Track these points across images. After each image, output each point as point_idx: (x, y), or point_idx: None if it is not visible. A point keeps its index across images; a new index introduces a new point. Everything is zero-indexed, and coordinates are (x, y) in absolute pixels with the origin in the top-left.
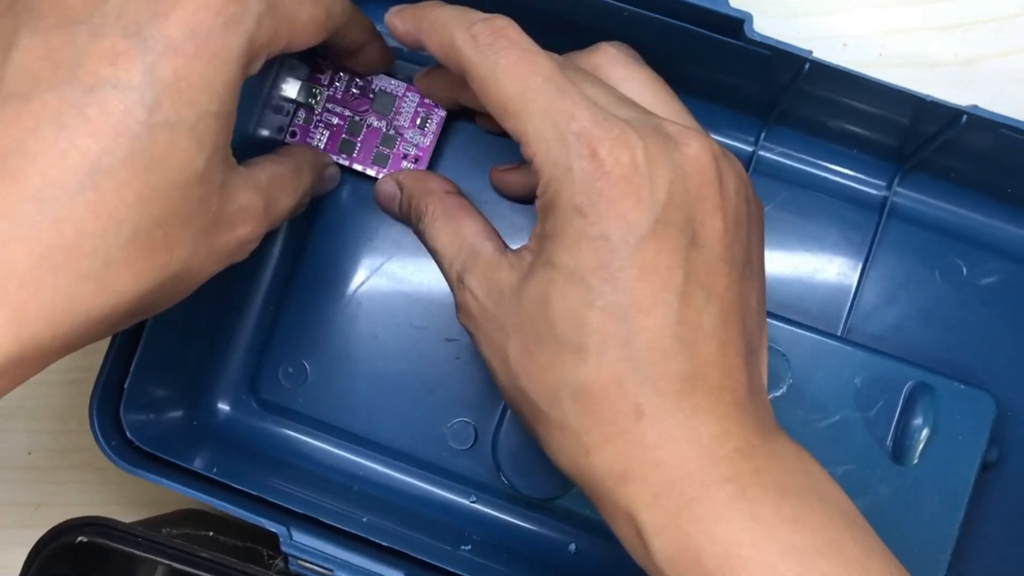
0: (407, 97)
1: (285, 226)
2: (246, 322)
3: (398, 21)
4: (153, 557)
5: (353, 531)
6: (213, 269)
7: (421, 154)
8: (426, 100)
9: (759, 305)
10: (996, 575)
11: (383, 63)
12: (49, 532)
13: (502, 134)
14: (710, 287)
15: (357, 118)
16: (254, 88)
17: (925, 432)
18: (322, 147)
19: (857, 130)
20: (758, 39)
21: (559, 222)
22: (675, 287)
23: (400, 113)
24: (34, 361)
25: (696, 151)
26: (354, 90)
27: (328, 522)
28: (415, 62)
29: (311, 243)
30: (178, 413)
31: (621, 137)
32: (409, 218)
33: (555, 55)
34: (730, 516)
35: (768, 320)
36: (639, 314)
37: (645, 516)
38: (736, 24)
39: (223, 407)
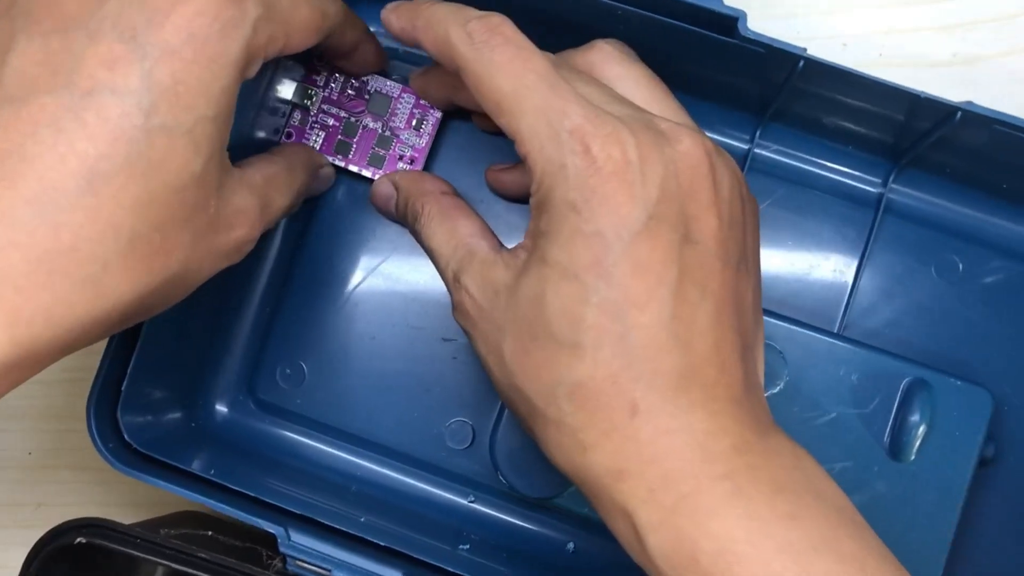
0: (403, 98)
1: (281, 227)
2: (243, 323)
3: (394, 18)
4: (152, 558)
5: (351, 531)
6: (210, 271)
7: (417, 155)
8: (422, 101)
9: (755, 302)
10: (993, 571)
11: (376, 64)
12: (48, 533)
13: (498, 133)
14: (704, 283)
15: (353, 119)
16: (249, 89)
17: (922, 428)
18: (318, 148)
19: (852, 127)
20: (752, 37)
21: (553, 219)
22: (669, 283)
23: (396, 114)
24: (30, 364)
25: (688, 147)
26: (350, 91)
27: (326, 522)
28: (411, 63)
29: (307, 244)
30: (176, 415)
31: (614, 134)
32: (405, 219)
33: (550, 54)
34: (725, 512)
35: (764, 317)
36: (634, 310)
37: (641, 513)
38: (730, 22)
39: (221, 408)
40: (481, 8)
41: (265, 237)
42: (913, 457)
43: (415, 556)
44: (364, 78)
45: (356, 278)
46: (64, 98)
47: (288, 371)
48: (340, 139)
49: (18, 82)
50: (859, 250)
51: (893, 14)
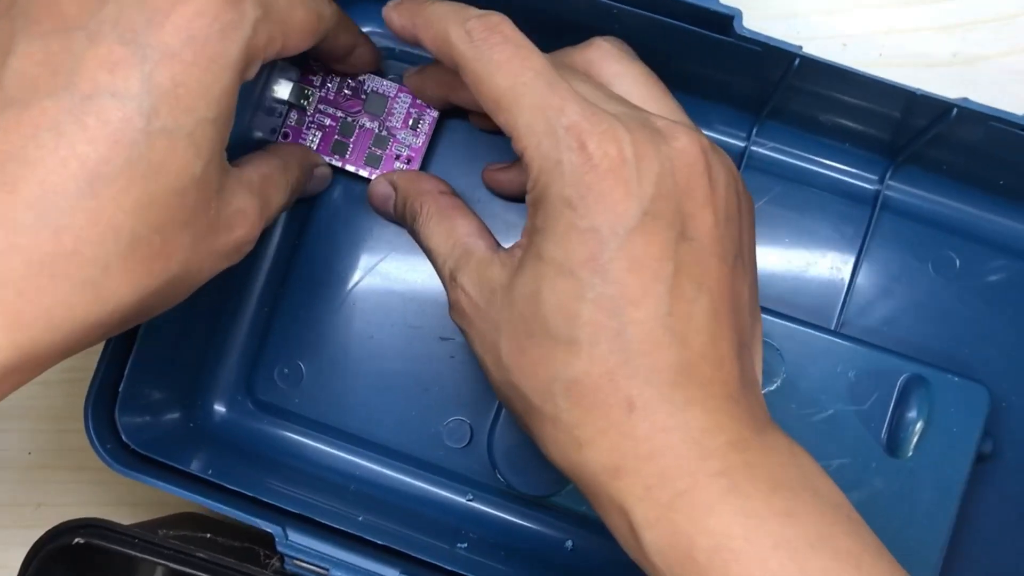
0: (399, 98)
1: (279, 228)
2: (241, 323)
3: (395, 15)
4: (150, 558)
5: (349, 530)
6: (211, 273)
7: (414, 155)
8: (418, 100)
9: (751, 298)
10: (991, 567)
11: (370, 64)
12: (47, 533)
13: (495, 131)
14: (700, 280)
15: (349, 119)
16: (246, 89)
17: (919, 425)
18: (314, 148)
19: (849, 124)
20: (748, 35)
21: (549, 215)
22: (665, 279)
23: (392, 114)
24: (31, 367)
25: (684, 145)
26: (346, 91)
27: (324, 522)
28: (408, 62)
29: (305, 244)
30: (174, 415)
31: (609, 131)
32: (404, 218)
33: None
34: (721, 509)
35: (762, 315)
36: (630, 306)
37: (637, 509)
38: (726, 20)
39: (219, 409)
40: (481, 7)
41: (263, 237)
42: (910, 453)
43: (413, 555)
44: (360, 78)
45: (354, 278)
46: (65, 101)
47: (286, 371)
48: (337, 139)
49: (18, 84)
50: (856, 247)
51: (893, 14)
